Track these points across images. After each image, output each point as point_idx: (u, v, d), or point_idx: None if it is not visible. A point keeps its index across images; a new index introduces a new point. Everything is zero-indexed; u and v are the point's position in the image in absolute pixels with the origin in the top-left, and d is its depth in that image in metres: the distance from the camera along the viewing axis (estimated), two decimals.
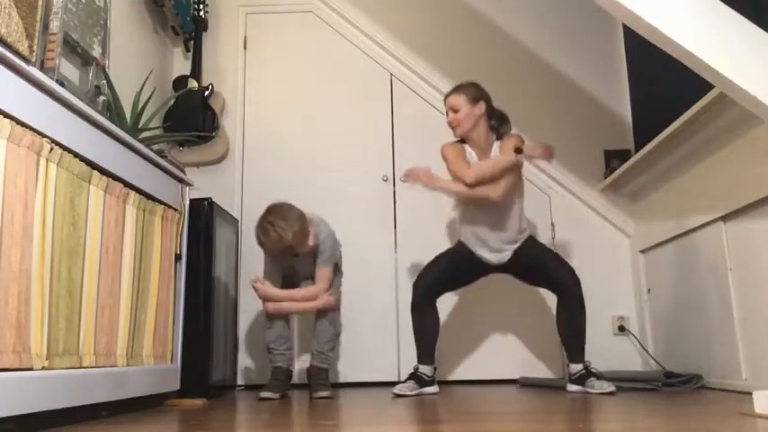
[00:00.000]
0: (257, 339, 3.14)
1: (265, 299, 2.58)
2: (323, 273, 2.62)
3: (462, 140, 2.67)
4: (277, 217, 2.47)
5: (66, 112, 1.68)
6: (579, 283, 2.48)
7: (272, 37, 3.59)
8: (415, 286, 2.62)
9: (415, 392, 2.47)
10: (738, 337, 2.27)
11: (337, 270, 2.77)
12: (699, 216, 2.50)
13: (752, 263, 2.19)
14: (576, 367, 2.46)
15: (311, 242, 2.58)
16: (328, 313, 2.61)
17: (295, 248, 2.50)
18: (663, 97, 2.96)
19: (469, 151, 2.65)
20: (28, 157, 1.49)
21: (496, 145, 2.64)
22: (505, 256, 2.59)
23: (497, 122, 2.67)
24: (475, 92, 2.64)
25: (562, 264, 2.56)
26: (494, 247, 2.59)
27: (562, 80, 3.49)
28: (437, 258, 2.67)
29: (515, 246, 2.58)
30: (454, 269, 2.65)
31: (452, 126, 2.64)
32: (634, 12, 1.69)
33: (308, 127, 3.46)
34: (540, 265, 2.57)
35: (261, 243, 2.53)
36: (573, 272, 2.51)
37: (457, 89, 2.67)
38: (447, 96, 2.68)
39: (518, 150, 2.50)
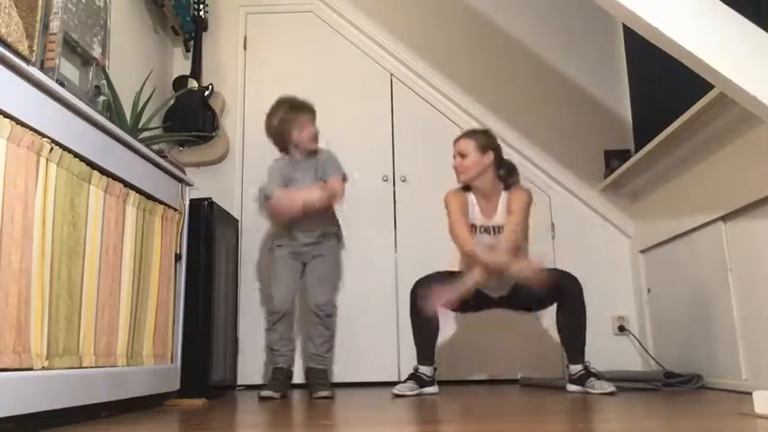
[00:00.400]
0: (257, 339, 3.14)
1: (280, 208, 2.55)
2: (335, 181, 2.62)
3: (466, 187, 2.62)
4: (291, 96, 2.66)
5: (66, 112, 1.68)
6: (580, 286, 2.46)
7: (272, 37, 3.59)
8: (414, 293, 2.56)
9: (415, 393, 2.47)
10: (738, 337, 2.27)
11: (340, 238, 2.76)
12: (699, 216, 2.50)
13: (752, 263, 2.19)
14: (576, 368, 2.45)
15: (314, 139, 2.65)
16: (325, 318, 2.61)
17: (304, 124, 2.59)
18: (663, 97, 2.96)
19: (473, 200, 2.59)
20: (28, 157, 1.49)
21: (504, 196, 2.58)
22: (506, 288, 2.56)
23: (506, 173, 2.61)
24: (485, 140, 2.58)
25: (561, 274, 2.49)
26: (494, 283, 2.54)
27: (562, 80, 3.49)
28: (440, 273, 2.60)
29: (516, 280, 2.51)
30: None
31: (458, 171, 2.58)
32: (634, 12, 1.69)
33: None
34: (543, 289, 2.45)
35: (282, 109, 2.63)
36: (573, 277, 2.46)
37: (467, 135, 2.62)
38: (457, 140, 2.62)
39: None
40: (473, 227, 2.57)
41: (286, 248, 2.66)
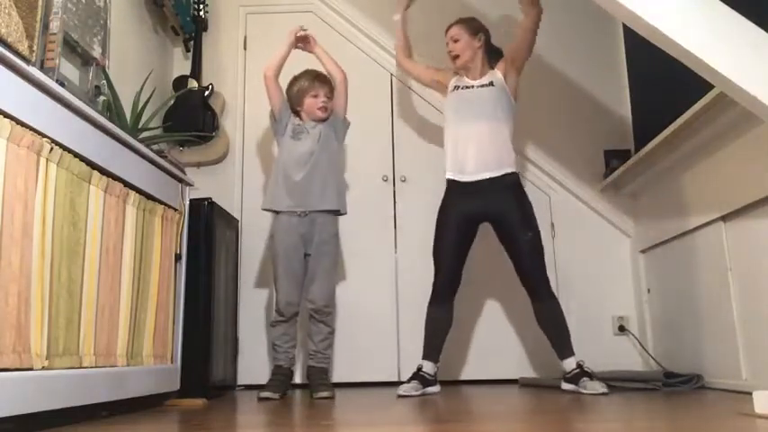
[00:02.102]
0: (257, 339, 3.14)
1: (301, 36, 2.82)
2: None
3: (456, 73, 2.79)
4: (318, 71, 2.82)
5: (66, 112, 1.68)
6: (546, 281, 2.52)
7: (272, 37, 3.58)
8: (435, 278, 2.61)
9: (419, 393, 2.47)
10: (738, 337, 2.27)
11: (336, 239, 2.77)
12: (699, 216, 2.50)
13: (752, 263, 2.19)
14: (569, 364, 2.46)
15: (323, 110, 2.73)
16: (323, 317, 2.61)
17: (318, 93, 2.73)
18: (663, 97, 2.96)
19: (459, 77, 2.77)
20: (28, 157, 1.49)
21: (491, 74, 2.73)
22: (477, 176, 2.58)
23: (494, 57, 2.78)
24: (475, 24, 2.76)
25: (535, 253, 2.54)
26: (477, 161, 2.59)
27: (562, 80, 3.49)
28: (439, 239, 2.64)
29: (490, 174, 2.57)
30: (455, 240, 2.61)
31: (452, 55, 2.74)
32: (634, 12, 1.69)
33: None
34: (513, 236, 2.55)
35: (297, 80, 2.77)
36: (543, 266, 2.53)
37: (458, 21, 2.78)
38: (448, 28, 2.78)
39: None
40: (455, 87, 2.75)
41: (290, 250, 2.64)
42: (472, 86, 2.72)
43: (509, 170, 2.61)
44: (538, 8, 2.67)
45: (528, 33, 2.69)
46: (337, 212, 2.74)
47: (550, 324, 2.53)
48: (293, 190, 2.64)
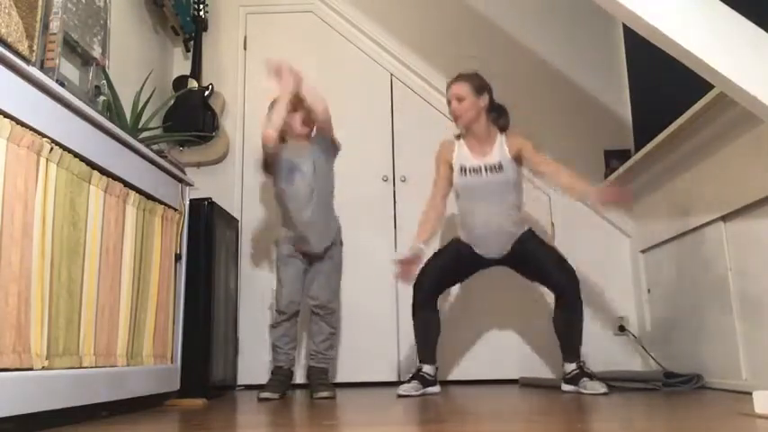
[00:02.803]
0: (257, 339, 3.14)
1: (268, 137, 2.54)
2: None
3: (458, 137, 2.66)
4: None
5: (66, 112, 1.68)
6: (578, 285, 2.48)
7: (272, 37, 3.59)
8: (415, 289, 2.60)
9: (419, 393, 2.47)
10: (738, 337, 2.27)
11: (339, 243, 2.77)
12: (699, 216, 2.50)
13: (752, 263, 2.19)
14: (570, 366, 2.46)
15: (306, 123, 2.63)
16: (325, 315, 2.61)
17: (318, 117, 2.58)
18: (663, 97, 2.96)
19: (462, 146, 2.64)
20: (28, 157, 1.49)
21: (501, 138, 2.61)
22: (504, 250, 2.58)
23: (497, 115, 2.65)
24: (479, 82, 2.61)
25: (561, 263, 2.53)
26: (491, 241, 2.57)
27: (562, 80, 3.49)
28: (435, 259, 2.64)
29: (513, 240, 2.56)
30: (453, 267, 2.64)
31: (455, 115, 2.60)
32: (634, 12, 1.69)
33: None
34: (539, 262, 2.55)
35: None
36: (572, 272, 2.50)
37: (461, 78, 2.62)
38: (451, 84, 2.63)
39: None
40: (462, 169, 2.60)
41: (291, 255, 2.65)
42: (480, 170, 2.57)
43: (521, 233, 2.59)
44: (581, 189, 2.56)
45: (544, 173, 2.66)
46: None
47: (568, 326, 2.50)
48: (303, 233, 2.62)
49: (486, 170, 2.57)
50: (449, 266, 2.63)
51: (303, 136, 2.67)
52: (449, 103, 2.63)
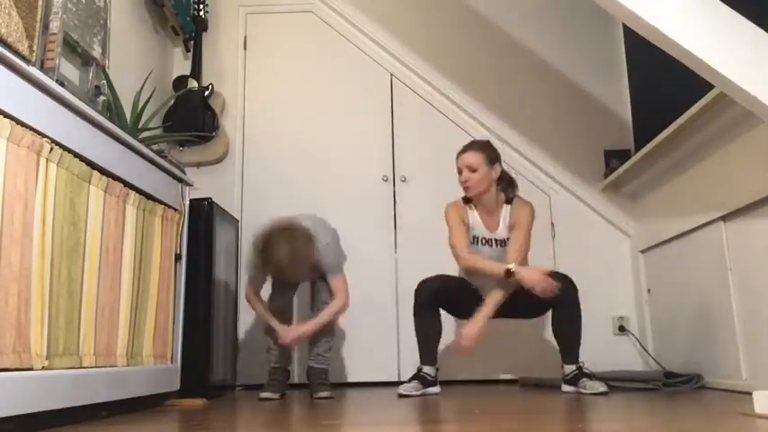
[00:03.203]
0: (257, 339, 3.13)
1: (293, 342, 2.52)
2: (338, 284, 2.53)
3: (467, 200, 2.61)
4: (286, 232, 2.34)
5: (66, 112, 1.68)
6: (576, 288, 2.47)
7: (272, 37, 3.59)
8: (416, 296, 2.57)
9: (419, 393, 2.47)
10: (738, 337, 2.27)
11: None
12: (699, 216, 2.50)
13: (752, 263, 2.19)
14: (570, 368, 2.46)
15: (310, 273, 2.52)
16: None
17: (306, 265, 2.38)
18: (663, 97, 2.96)
19: (474, 213, 2.60)
20: (28, 157, 1.49)
21: (506, 210, 2.58)
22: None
23: (506, 185, 2.61)
24: (492, 153, 2.56)
25: (560, 277, 2.48)
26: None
27: (562, 80, 3.49)
28: (439, 275, 2.60)
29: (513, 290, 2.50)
30: (454, 293, 2.59)
31: (466, 186, 2.54)
32: (634, 12, 1.69)
33: (308, 127, 3.47)
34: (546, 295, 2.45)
35: (266, 258, 2.35)
36: (570, 280, 2.47)
37: (474, 147, 2.57)
38: (462, 153, 2.57)
39: (508, 274, 2.40)
40: (474, 238, 2.58)
41: None
42: (491, 242, 2.57)
43: None
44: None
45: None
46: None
47: (567, 330, 2.48)
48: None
49: (495, 243, 2.58)
50: (450, 288, 2.59)
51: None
52: (459, 172, 2.56)
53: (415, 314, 2.58)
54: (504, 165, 2.64)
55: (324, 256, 2.49)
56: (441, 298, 2.59)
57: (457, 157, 2.59)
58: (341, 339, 3.10)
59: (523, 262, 2.51)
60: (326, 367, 2.64)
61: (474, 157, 2.52)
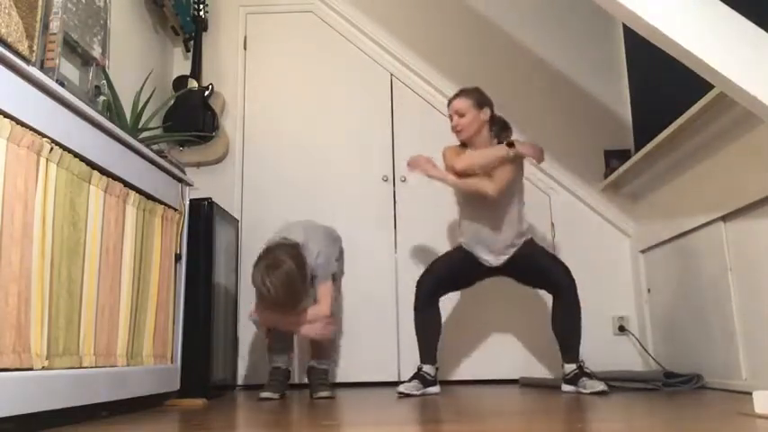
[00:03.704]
0: (257, 339, 3.14)
1: (268, 326, 2.54)
2: (323, 289, 2.51)
3: (463, 145, 2.67)
4: (274, 271, 2.31)
5: (66, 112, 1.68)
6: (575, 284, 2.50)
7: (272, 37, 3.59)
8: (418, 289, 2.62)
9: (419, 392, 2.48)
10: (738, 337, 2.28)
11: (338, 274, 2.74)
12: (699, 216, 2.50)
13: (752, 263, 2.19)
14: (570, 367, 2.47)
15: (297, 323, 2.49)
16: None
17: (300, 294, 2.39)
18: (663, 97, 2.96)
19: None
20: (28, 157, 1.49)
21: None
22: (504, 258, 2.59)
23: (498, 129, 2.67)
24: (480, 97, 2.63)
25: (558, 264, 2.57)
26: (492, 249, 2.59)
27: (562, 80, 3.49)
28: (437, 261, 2.68)
29: (514, 249, 2.58)
30: (454, 271, 2.65)
31: (457, 130, 2.63)
32: (634, 12, 1.69)
33: (308, 127, 3.47)
34: (538, 267, 2.57)
35: (262, 295, 2.40)
36: (569, 272, 2.52)
37: (462, 93, 2.65)
38: (452, 100, 2.66)
39: (510, 144, 2.51)
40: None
41: None
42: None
43: (521, 242, 2.59)
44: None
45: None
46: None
47: (567, 327, 2.51)
48: None
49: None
50: (449, 270, 2.64)
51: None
52: (450, 118, 2.64)
53: (416, 309, 2.60)
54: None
55: (315, 267, 2.48)
56: (444, 285, 2.64)
57: (447, 105, 2.68)
58: (342, 340, 3.10)
59: (493, 189, 2.51)
60: (327, 368, 2.64)
61: (462, 102, 2.61)
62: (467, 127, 2.60)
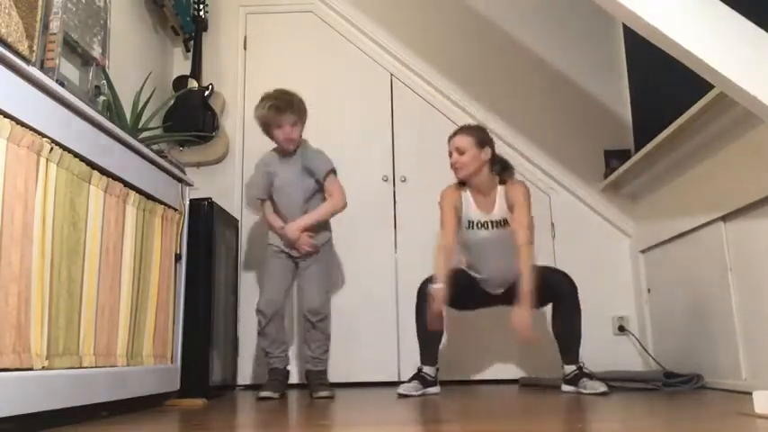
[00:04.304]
0: (257, 339, 3.14)
1: (298, 237, 2.60)
2: (333, 186, 2.67)
3: (462, 183, 2.62)
4: (279, 93, 2.65)
5: (66, 112, 1.68)
6: (577, 290, 2.49)
7: (272, 37, 3.59)
8: (421, 292, 2.57)
9: (419, 393, 2.47)
10: (738, 337, 2.27)
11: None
12: (699, 216, 2.50)
13: (752, 263, 2.19)
14: (570, 368, 2.47)
15: (289, 141, 2.64)
16: (318, 322, 2.61)
17: (294, 116, 2.61)
18: (663, 97, 2.96)
19: (468, 197, 2.60)
20: (28, 157, 1.49)
21: (500, 190, 2.58)
22: (506, 284, 2.58)
23: (499, 168, 2.61)
24: (482, 135, 2.59)
25: (558, 274, 2.55)
26: (494, 281, 2.62)
27: (562, 80, 3.49)
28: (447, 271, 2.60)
29: (516, 276, 2.48)
30: (458, 285, 2.57)
31: (456, 167, 2.57)
32: (634, 12, 1.69)
33: (307, 127, 3.45)
34: (541, 286, 2.44)
35: (264, 104, 2.62)
36: (571, 280, 2.50)
37: (464, 130, 2.61)
38: (453, 136, 2.61)
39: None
40: (470, 223, 2.58)
41: (280, 251, 2.67)
42: (487, 225, 2.56)
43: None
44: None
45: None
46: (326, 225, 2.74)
47: (567, 330, 2.50)
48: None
49: (492, 225, 2.57)
50: (455, 283, 2.55)
51: (289, 151, 2.69)
52: (450, 154, 2.59)
53: (418, 313, 2.57)
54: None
55: (315, 169, 2.66)
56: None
57: (448, 141, 2.62)
58: (341, 339, 3.09)
59: (531, 239, 2.49)
60: (324, 369, 2.64)
61: (463, 140, 2.56)
62: (466, 165, 2.54)
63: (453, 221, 2.57)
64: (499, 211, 2.57)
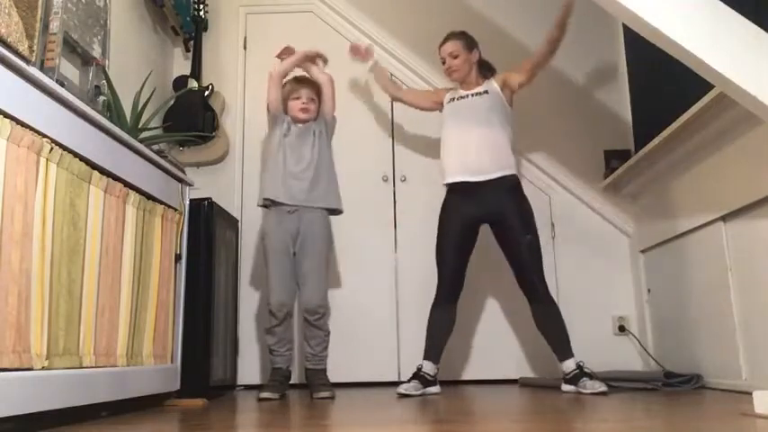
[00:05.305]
0: (257, 339, 3.14)
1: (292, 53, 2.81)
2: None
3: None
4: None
5: (66, 112, 1.68)
6: (547, 287, 2.54)
7: (272, 37, 3.58)
8: (440, 284, 2.62)
9: (419, 392, 2.48)
10: (738, 337, 2.28)
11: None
12: (699, 216, 2.50)
13: (752, 263, 2.19)
14: (569, 366, 2.47)
15: (303, 110, 2.73)
16: (316, 320, 2.61)
17: (299, 95, 2.74)
18: (663, 97, 2.96)
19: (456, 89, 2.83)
20: (28, 157, 1.49)
21: (486, 84, 2.76)
22: (485, 177, 2.58)
23: (485, 69, 2.83)
24: (469, 39, 2.79)
25: (534, 260, 2.55)
26: (469, 173, 2.61)
27: (562, 80, 3.49)
28: (441, 237, 2.66)
29: (496, 175, 2.58)
30: (457, 243, 2.62)
31: (451, 71, 2.76)
32: (634, 12, 1.69)
33: None
34: (514, 244, 2.56)
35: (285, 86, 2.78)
36: (542, 273, 2.55)
37: (452, 36, 2.78)
38: (443, 44, 2.78)
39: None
40: (452, 99, 2.79)
41: (274, 215, 2.65)
42: (467, 96, 2.76)
43: (508, 172, 2.61)
44: (562, 31, 2.69)
45: (545, 52, 2.76)
46: (330, 212, 2.73)
47: (549, 327, 2.54)
48: (287, 183, 2.64)
49: (472, 95, 2.74)
50: (454, 245, 2.63)
51: (301, 121, 2.75)
52: (443, 61, 2.78)
53: (435, 304, 2.62)
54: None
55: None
56: (459, 277, 2.63)
57: (438, 50, 2.80)
58: (341, 339, 3.09)
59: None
60: (323, 368, 2.64)
61: (454, 45, 2.76)
62: (461, 67, 2.75)
63: (419, 91, 3.10)
64: (484, 86, 2.76)
